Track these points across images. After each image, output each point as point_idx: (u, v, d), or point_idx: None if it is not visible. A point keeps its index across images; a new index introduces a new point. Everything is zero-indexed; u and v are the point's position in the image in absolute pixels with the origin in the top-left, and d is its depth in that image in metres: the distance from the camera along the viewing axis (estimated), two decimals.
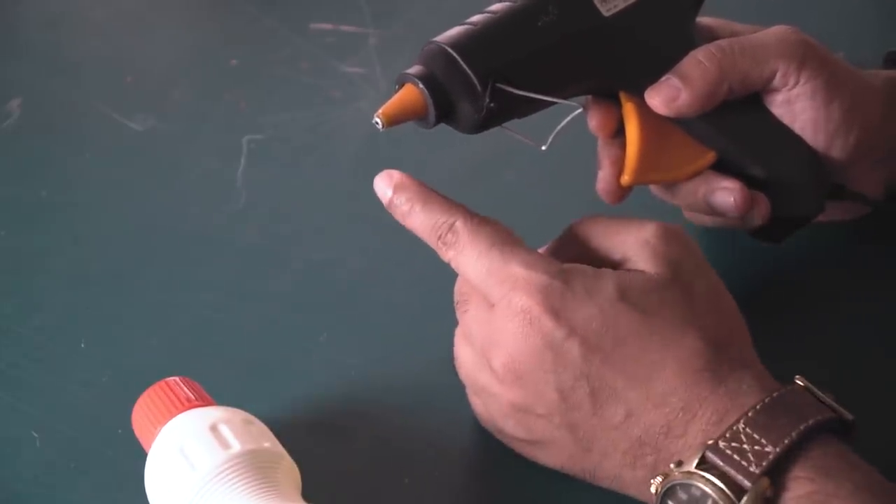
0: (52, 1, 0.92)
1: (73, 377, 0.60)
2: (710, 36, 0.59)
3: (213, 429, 0.50)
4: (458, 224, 0.52)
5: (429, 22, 0.86)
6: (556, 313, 0.48)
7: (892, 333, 0.61)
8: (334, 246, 0.68)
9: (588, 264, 0.51)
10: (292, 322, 0.63)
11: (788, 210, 0.60)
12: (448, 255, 0.52)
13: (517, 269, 0.50)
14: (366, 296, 0.64)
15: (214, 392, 0.54)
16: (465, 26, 0.53)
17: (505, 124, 0.54)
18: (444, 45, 0.52)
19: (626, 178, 0.57)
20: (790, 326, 0.62)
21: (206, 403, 0.53)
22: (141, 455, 0.52)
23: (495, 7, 0.54)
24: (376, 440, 0.57)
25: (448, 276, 0.53)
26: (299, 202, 0.71)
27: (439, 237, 0.52)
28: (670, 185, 0.60)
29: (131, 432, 0.54)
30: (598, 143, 0.59)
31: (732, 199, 0.58)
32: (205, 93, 0.81)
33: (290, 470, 0.50)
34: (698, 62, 0.56)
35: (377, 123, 0.52)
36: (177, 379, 0.54)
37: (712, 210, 0.59)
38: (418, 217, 0.52)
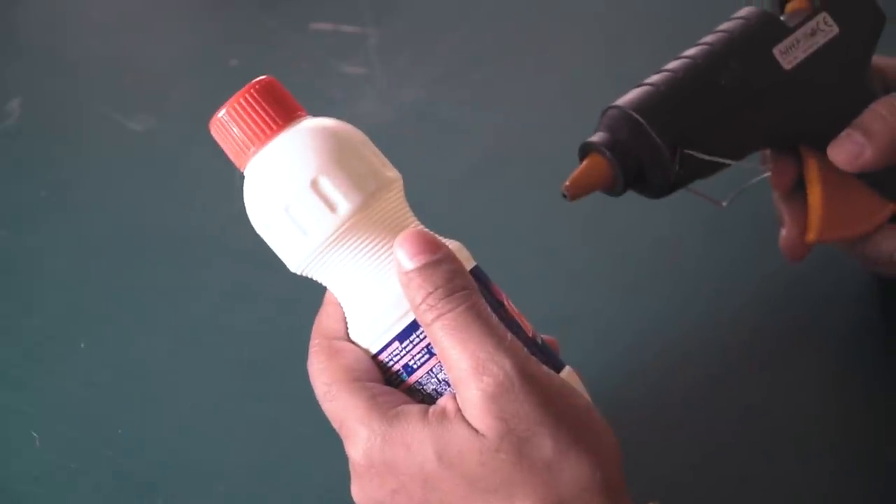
0: (52, 1, 0.92)
1: (73, 377, 0.60)
2: (881, 77, 0.57)
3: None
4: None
5: (429, 22, 0.86)
6: (379, 473, 0.45)
7: None
8: None
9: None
10: (291, 322, 0.63)
11: None
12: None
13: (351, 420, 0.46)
14: None
15: (214, 393, 0.54)
16: (645, 87, 0.51)
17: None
18: (628, 111, 0.50)
19: (811, 237, 0.56)
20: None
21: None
22: (142, 453, 0.52)
23: (673, 65, 0.52)
24: None
25: None
26: None
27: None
28: (852, 240, 0.58)
29: (131, 432, 0.54)
30: (774, 197, 0.58)
31: None
32: (205, 93, 0.81)
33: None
34: (880, 116, 0.54)
35: (565, 196, 0.50)
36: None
37: None
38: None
